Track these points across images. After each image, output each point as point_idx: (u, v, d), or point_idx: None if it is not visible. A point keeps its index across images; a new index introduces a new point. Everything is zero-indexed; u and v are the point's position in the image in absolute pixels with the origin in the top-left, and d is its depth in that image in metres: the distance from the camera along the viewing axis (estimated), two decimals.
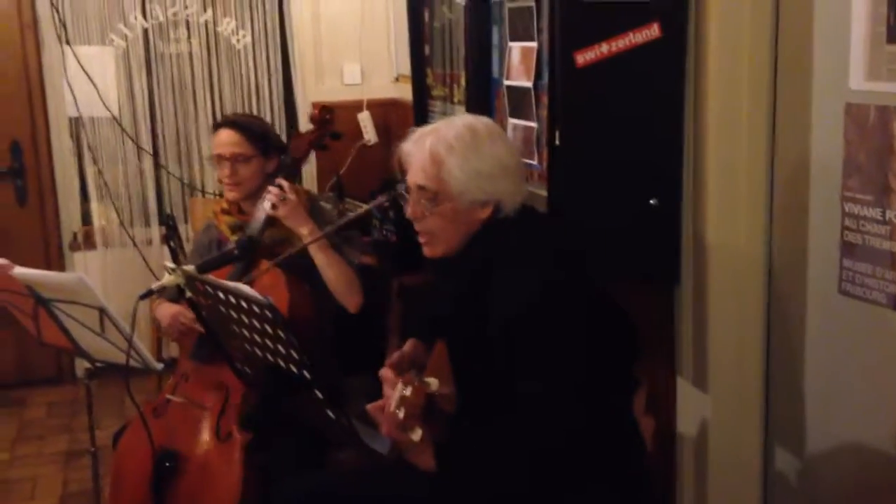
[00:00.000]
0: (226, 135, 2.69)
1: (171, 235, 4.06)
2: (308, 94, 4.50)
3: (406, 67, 3.84)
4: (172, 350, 3.42)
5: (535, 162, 2.48)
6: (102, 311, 2.22)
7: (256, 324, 1.78)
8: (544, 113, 2.38)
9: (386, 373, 1.97)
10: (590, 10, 2.20)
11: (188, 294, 1.99)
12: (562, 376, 1.73)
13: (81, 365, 4.32)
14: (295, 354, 1.74)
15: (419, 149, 1.88)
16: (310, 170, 4.55)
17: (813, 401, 2.13)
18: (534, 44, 2.42)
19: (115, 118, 4.28)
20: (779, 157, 2.15)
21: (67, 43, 4.15)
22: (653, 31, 2.21)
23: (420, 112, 3.53)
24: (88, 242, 4.41)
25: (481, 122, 1.91)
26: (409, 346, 2.11)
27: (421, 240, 1.94)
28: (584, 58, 2.20)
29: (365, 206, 2.43)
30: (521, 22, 2.49)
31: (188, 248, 3.65)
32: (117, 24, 4.25)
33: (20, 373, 4.40)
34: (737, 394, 2.25)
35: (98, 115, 4.26)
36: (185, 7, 4.35)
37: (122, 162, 4.36)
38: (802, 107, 2.05)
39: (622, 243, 2.28)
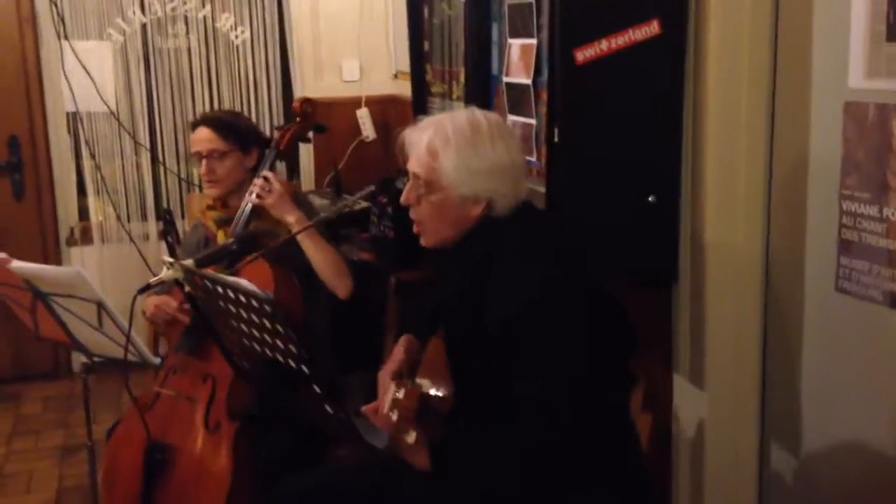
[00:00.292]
0: (201, 132, 2.71)
1: (168, 230, 4.06)
2: (307, 91, 4.48)
3: (405, 64, 3.84)
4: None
5: (533, 158, 2.48)
6: (100, 306, 2.22)
7: (255, 318, 1.78)
8: (543, 110, 2.39)
9: (384, 378, 1.98)
10: (589, 7, 2.20)
11: (186, 289, 1.99)
12: (560, 376, 1.73)
13: (78, 360, 4.33)
14: (293, 349, 1.74)
15: (419, 137, 1.88)
16: (307, 165, 4.55)
17: (810, 399, 2.14)
18: (533, 40, 2.42)
19: (112, 113, 4.27)
20: (777, 154, 2.15)
21: (65, 38, 4.15)
22: (652, 28, 2.21)
23: (419, 108, 3.53)
24: (85, 237, 4.41)
25: (487, 118, 1.90)
26: (403, 347, 2.10)
27: (415, 229, 1.95)
28: (583, 55, 2.20)
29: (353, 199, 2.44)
30: (521, 19, 2.49)
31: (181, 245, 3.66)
32: (115, 18, 4.25)
33: (16, 367, 4.40)
34: (734, 391, 2.25)
35: (96, 109, 4.26)
36: (184, 2, 4.34)
37: (119, 157, 4.36)
38: (801, 104, 2.06)
39: (620, 240, 2.28)
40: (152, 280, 1.96)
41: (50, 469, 3.53)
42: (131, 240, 4.31)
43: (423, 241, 1.95)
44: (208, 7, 4.36)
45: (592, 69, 2.20)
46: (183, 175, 4.46)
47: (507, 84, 2.62)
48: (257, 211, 2.63)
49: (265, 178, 2.61)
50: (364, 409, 1.90)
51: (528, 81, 2.46)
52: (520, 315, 1.75)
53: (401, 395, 1.73)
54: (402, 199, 1.93)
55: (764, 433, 2.26)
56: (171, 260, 1.92)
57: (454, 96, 3.22)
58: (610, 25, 2.20)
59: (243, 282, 1.83)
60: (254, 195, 2.60)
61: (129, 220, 4.39)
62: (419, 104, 3.54)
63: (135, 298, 1.96)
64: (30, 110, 4.28)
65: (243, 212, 2.64)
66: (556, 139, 2.26)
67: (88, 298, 2.22)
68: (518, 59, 2.53)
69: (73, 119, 4.29)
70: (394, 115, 4.46)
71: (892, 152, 1.83)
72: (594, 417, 1.77)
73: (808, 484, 2.16)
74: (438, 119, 1.90)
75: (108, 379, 2.97)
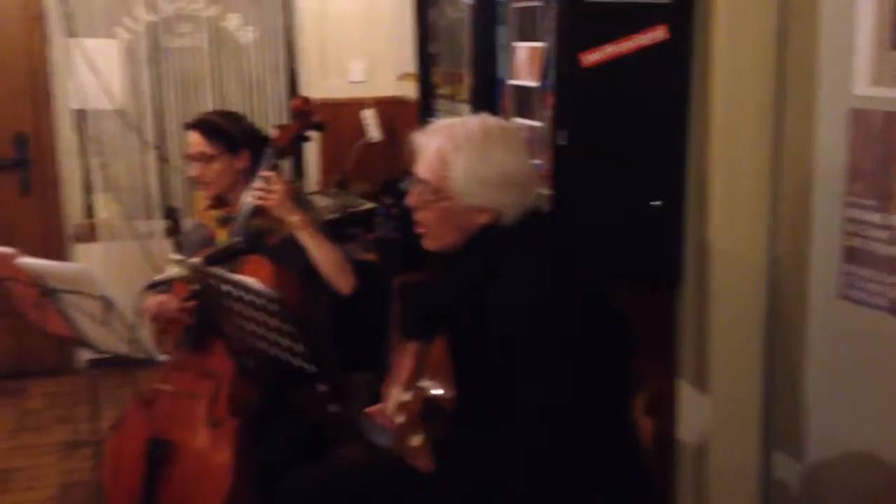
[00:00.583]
0: (190, 136, 2.75)
1: (174, 229, 4.08)
2: (313, 92, 4.49)
3: (411, 66, 3.85)
4: None
5: (539, 162, 2.49)
6: (107, 302, 2.23)
7: (261, 316, 1.80)
8: (549, 113, 2.39)
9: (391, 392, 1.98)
10: (596, 12, 2.20)
11: (192, 286, 2.00)
12: (559, 379, 1.73)
13: (81, 356, 4.34)
14: (299, 347, 1.75)
15: (429, 142, 1.88)
16: (313, 166, 4.56)
17: (813, 405, 2.14)
18: (540, 44, 2.43)
19: (119, 111, 4.29)
20: (782, 160, 2.16)
21: (73, 35, 4.16)
22: (659, 33, 2.22)
23: (425, 110, 3.53)
24: (91, 235, 4.42)
25: (499, 126, 1.89)
26: (409, 359, 2.10)
27: (419, 230, 1.95)
28: (589, 59, 2.21)
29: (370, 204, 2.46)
30: (528, 22, 2.50)
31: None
32: (123, 17, 4.26)
33: (20, 363, 4.41)
34: (737, 397, 2.26)
35: (102, 107, 4.27)
36: (191, 2, 4.36)
37: (126, 155, 4.38)
38: (807, 111, 2.07)
39: (624, 244, 2.29)
40: (159, 277, 1.98)
41: (53, 464, 3.54)
42: (137, 238, 4.32)
43: (425, 244, 1.95)
44: (216, 7, 4.38)
45: (599, 73, 2.21)
46: (189, 174, 4.46)
47: (514, 87, 2.63)
48: (258, 209, 2.64)
49: (264, 179, 2.62)
50: (368, 410, 1.90)
51: (535, 85, 2.47)
52: (521, 318, 1.75)
53: (407, 397, 1.73)
54: (408, 201, 1.93)
55: (768, 439, 2.27)
56: (178, 258, 1.93)
57: (460, 98, 3.23)
58: (617, 30, 2.21)
59: (249, 279, 1.84)
60: (255, 198, 2.61)
61: (134, 218, 4.40)
62: (425, 106, 3.55)
63: (142, 295, 1.98)
64: (37, 108, 4.29)
65: (243, 211, 2.65)
66: (561, 142, 2.26)
67: (95, 295, 2.24)
68: (524, 63, 2.54)
69: (80, 117, 4.30)
70: (399, 116, 4.47)
71: None
72: (594, 420, 1.78)
73: (812, 490, 2.16)
74: (450, 125, 1.90)
75: (111, 375, 2.98)
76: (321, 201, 3.70)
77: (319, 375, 1.76)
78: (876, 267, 1.91)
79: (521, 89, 2.58)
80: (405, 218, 3.13)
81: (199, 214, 2.91)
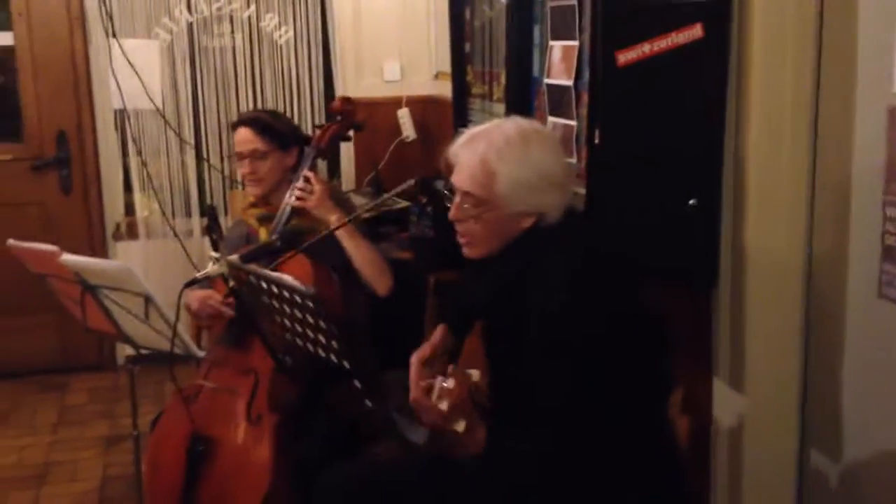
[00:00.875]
0: (242, 133, 2.76)
1: (212, 227, 4.11)
2: (348, 91, 4.53)
3: (446, 65, 3.86)
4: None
5: (574, 160, 2.49)
6: (147, 299, 2.27)
7: (298, 313, 1.82)
8: (584, 112, 2.40)
9: (414, 361, 1.99)
10: (632, 10, 2.20)
11: (231, 284, 2.03)
12: (593, 379, 1.74)
13: (122, 352, 4.42)
14: (335, 344, 1.77)
15: (470, 153, 1.86)
16: (348, 165, 4.60)
17: (850, 404, 2.12)
18: (575, 42, 2.43)
19: (158, 111, 4.35)
20: (820, 159, 2.14)
21: (114, 36, 4.23)
22: (695, 31, 2.20)
23: (459, 109, 3.55)
24: (131, 232, 4.50)
25: (532, 128, 1.89)
26: (438, 335, 2.11)
27: (461, 240, 1.94)
28: (625, 57, 2.20)
29: (391, 195, 2.46)
30: (563, 21, 2.50)
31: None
32: (162, 17, 4.32)
33: (63, 359, 4.50)
34: (774, 396, 2.24)
35: (142, 107, 4.34)
36: (229, 2, 4.41)
37: (164, 154, 4.45)
38: (845, 109, 2.05)
39: (660, 243, 2.28)
40: (198, 274, 2.02)
41: (95, 458, 3.61)
42: (175, 235, 4.39)
43: (469, 253, 1.93)
44: (253, 7, 4.42)
45: (634, 72, 2.21)
46: (226, 172, 4.52)
47: (549, 86, 2.63)
48: (298, 209, 2.67)
49: (306, 179, 2.65)
50: (412, 399, 1.87)
51: (570, 83, 2.47)
52: (557, 318, 1.75)
53: (450, 384, 1.73)
54: (451, 216, 1.91)
55: (804, 438, 2.25)
56: (217, 255, 1.96)
57: (494, 97, 3.24)
58: (652, 28, 2.20)
59: (287, 277, 1.86)
60: (294, 197, 2.64)
61: (173, 216, 4.47)
62: (459, 105, 3.56)
63: (182, 292, 2.01)
64: (78, 107, 4.37)
65: (284, 210, 2.68)
66: (596, 141, 2.26)
67: (136, 292, 2.28)
68: (559, 61, 2.54)
69: (121, 116, 4.37)
70: (434, 115, 4.49)
71: None
72: (629, 421, 1.77)
73: (849, 489, 2.14)
74: (486, 133, 1.88)
75: (151, 371, 3.02)
76: (356, 200, 3.73)
77: (355, 372, 1.78)
78: None
79: (555, 88, 2.58)
80: (439, 216, 3.15)
81: (240, 212, 2.94)
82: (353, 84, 4.55)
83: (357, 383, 1.79)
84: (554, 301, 1.76)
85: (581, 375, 1.74)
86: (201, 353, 2.48)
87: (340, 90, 4.56)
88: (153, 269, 4.34)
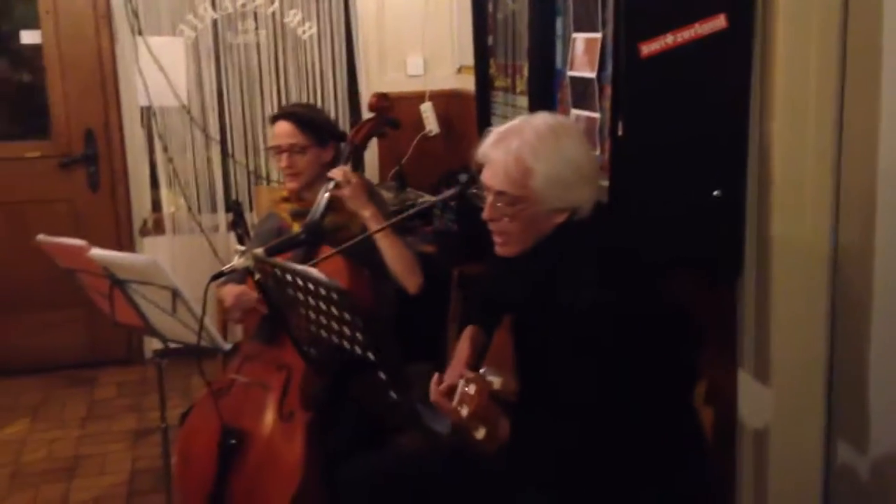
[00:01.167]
0: (282, 126, 2.76)
1: (237, 222, 4.16)
2: (371, 85, 4.55)
3: (469, 58, 3.86)
4: (238, 334, 3.51)
5: (597, 152, 2.49)
6: (175, 293, 2.30)
7: (323, 306, 1.83)
8: (607, 104, 2.39)
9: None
10: (655, 1, 2.19)
11: (256, 276, 2.05)
12: (623, 380, 1.73)
13: (150, 346, 4.46)
14: (360, 336, 1.78)
15: (502, 152, 1.85)
16: (372, 159, 4.61)
17: (878, 395, 2.11)
18: (598, 34, 2.42)
19: (184, 107, 4.39)
20: (846, 148, 2.12)
21: (140, 33, 4.27)
22: (719, 21, 2.19)
23: (482, 103, 3.54)
24: (158, 228, 4.54)
25: (560, 122, 1.89)
26: (469, 341, 2.10)
27: (495, 239, 1.93)
28: (648, 48, 2.20)
29: (431, 199, 2.48)
30: (586, 12, 2.50)
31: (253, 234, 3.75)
32: (187, 14, 4.36)
33: (91, 354, 4.55)
34: (799, 387, 2.23)
35: (168, 104, 4.38)
36: None
37: (190, 150, 4.48)
38: (871, 97, 2.03)
39: (684, 234, 2.27)
40: (225, 268, 2.03)
41: (123, 451, 3.65)
42: (202, 230, 4.43)
43: (503, 252, 1.93)
44: (277, 3, 4.45)
45: (658, 63, 2.20)
46: (251, 168, 4.55)
47: (571, 78, 2.62)
48: (333, 205, 2.67)
49: (342, 173, 2.65)
50: (434, 398, 1.87)
51: (593, 75, 2.46)
52: (587, 314, 1.75)
53: (471, 390, 1.73)
54: (485, 216, 1.91)
55: (830, 430, 2.23)
56: (242, 248, 1.98)
57: (517, 90, 3.23)
58: (676, 19, 2.19)
59: (311, 270, 1.87)
60: (331, 185, 2.64)
61: (199, 212, 4.51)
62: (482, 99, 3.56)
63: (208, 286, 2.03)
64: (105, 105, 4.42)
65: (319, 205, 2.68)
66: (620, 133, 2.26)
67: (163, 286, 2.30)
68: (582, 53, 2.54)
69: (147, 113, 4.41)
70: (457, 109, 4.49)
71: None
72: (654, 414, 1.77)
73: (876, 482, 2.13)
74: (517, 130, 1.87)
75: (178, 364, 3.06)
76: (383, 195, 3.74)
77: (380, 364, 1.79)
78: None
79: (578, 80, 2.57)
80: (463, 210, 3.16)
81: (272, 205, 2.95)
82: (376, 79, 4.56)
83: (382, 375, 1.80)
84: (585, 298, 1.76)
85: (609, 372, 1.73)
86: (228, 346, 2.49)
87: (364, 85, 4.58)
88: (180, 265, 4.38)
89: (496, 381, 1.82)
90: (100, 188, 4.47)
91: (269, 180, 4.54)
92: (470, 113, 3.72)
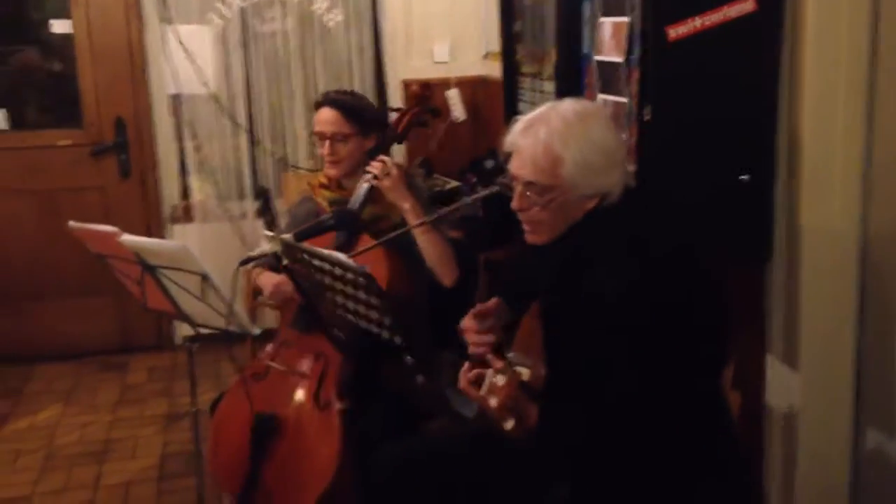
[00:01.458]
0: (326, 113, 2.75)
1: (265, 209, 4.19)
2: (398, 72, 4.56)
3: (495, 44, 3.86)
4: (266, 320, 3.54)
5: (624, 137, 2.48)
6: (204, 278, 2.32)
7: (350, 290, 1.84)
8: (635, 88, 2.38)
9: (467, 322, 1.99)
10: None
11: (285, 261, 2.07)
12: (656, 362, 1.73)
13: (181, 332, 4.51)
14: (387, 320, 1.80)
15: (531, 141, 1.83)
16: (398, 146, 4.61)
17: None
18: (625, 18, 2.41)
19: (212, 95, 4.42)
20: (876, 133, 2.10)
21: (168, 22, 4.30)
22: (748, 4, 2.18)
23: (509, 89, 3.54)
24: (187, 215, 4.58)
25: (586, 107, 1.87)
26: (494, 301, 2.11)
27: (525, 227, 1.92)
28: (676, 32, 2.18)
29: (455, 183, 2.47)
30: None
31: (281, 221, 3.77)
32: (215, 3, 4.37)
33: (122, 340, 4.61)
34: (828, 372, 2.22)
35: (197, 92, 4.41)
36: None
37: (219, 138, 4.51)
38: None
39: (713, 219, 2.26)
40: (253, 253, 2.05)
41: (154, 436, 3.70)
42: (230, 218, 4.46)
43: (534, 239, 1.91)
44: None
45: (685, 47, 2.18)
46: (279, 155, 4.58)
47: (599, 62, 2.62)
48: (372, 195, 2.67)
49: (382, 162, 2.65)
50: (462, 385, 1.85)
51: (620, 60, 2.45)
52: (621, 300, 1.74)
53: (500, 381, 1.73)
54: (515, 206, 1.89)
55: (859, 416, 2.22)
56: (270, 233, 1.99)
57: (545, 76, 3.23)
58: (704, 2, 2.17)
59: (338, 254, 1.88)
60: (370, 175, 2.64)
61: (227, 199, 4.54)
62: (509, 85, 3.55)
63: (237, 270, 2.05)
64: (135, 93, 4.46)
65: (359, 194, 2.68)
66: (647, 118, 2.25)
67: (193, 271, 2.33)
68: (610, 38, 2.53)
69: (176, 101, 4.45)
70: (484, 95, 4.48)
71: None
72: (683, 399, 1.77)
73: None
74: (544, 118, 1.85)
75: (208, 350, 3.08)
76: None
77: (408, 347, 1.80)
78: None
79: (606, 65, 2.56)
80: (490, 197, 3.15)
81: (309, 188, 2.94)
82: (402, 65, 4.56)
83: (409, 359, 1.82)
84: (617, 284, 1.75)
85: (641, 358, 1.73)
86: (257, 331, 2.51)
87: (391, 72, 4.58)
88: (208, 251, 4.38)
89: (525, 373, 1.82)
90: (130, 176, 4.52)
91: (297, 167, 4.56)
92: (497, 99, 3.72)
